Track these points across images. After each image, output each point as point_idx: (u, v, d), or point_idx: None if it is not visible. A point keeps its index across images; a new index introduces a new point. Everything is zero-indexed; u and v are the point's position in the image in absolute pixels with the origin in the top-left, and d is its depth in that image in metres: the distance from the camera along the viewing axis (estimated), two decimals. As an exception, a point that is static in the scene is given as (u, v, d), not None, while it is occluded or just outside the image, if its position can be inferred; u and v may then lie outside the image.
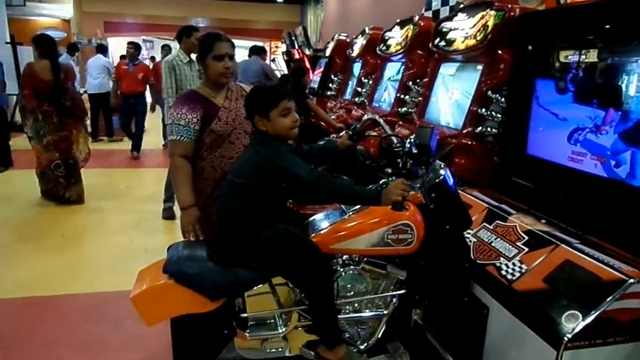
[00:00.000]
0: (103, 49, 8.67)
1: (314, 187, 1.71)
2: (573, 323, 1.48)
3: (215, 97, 2.23)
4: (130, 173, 6.57)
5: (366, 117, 2.37)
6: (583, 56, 1.97)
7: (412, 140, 1.83)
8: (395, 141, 2.06)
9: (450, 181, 1.89)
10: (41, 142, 4.54)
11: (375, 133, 2.51)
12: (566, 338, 1.47)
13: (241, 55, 7.82)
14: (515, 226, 2.01)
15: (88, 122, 8.49)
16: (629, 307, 1.50)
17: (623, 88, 1.78)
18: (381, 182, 2.03)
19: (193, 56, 4.39)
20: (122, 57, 8.01)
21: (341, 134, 3.74)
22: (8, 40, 8.51)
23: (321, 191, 1.74)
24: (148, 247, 3.71)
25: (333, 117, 4.88)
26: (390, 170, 2.07)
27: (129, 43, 7.53)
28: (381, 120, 2.15)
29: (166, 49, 7.75)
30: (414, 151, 1.80)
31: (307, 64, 7.17)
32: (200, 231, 2.13)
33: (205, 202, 2.23)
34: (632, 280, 1.49)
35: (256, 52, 6.70)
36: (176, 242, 1.95)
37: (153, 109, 7.63)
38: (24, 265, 3.45)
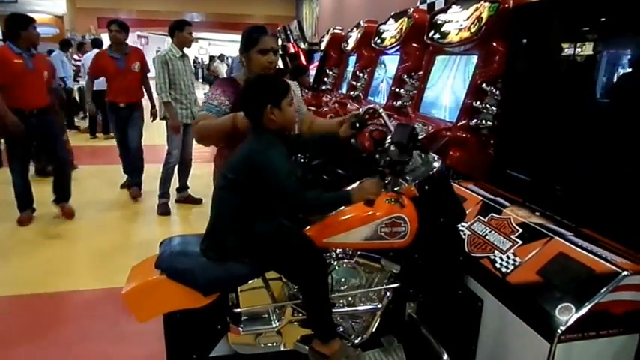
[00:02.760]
0: (99, 44, 8.60)
1: (292, 200, 1.72)
2: (566, 315, 1.48)
3: None
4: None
5: (366, 107, 2.35)
6: (578, 49, 1.96)
7: (390, 139, 1.83)
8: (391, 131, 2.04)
9: (444, 174, 1.88)
10: None
11: (378, 124, 2.48)
12: (559, 330, 1.47)
13: (235, 49, 7.74)
14: (510, 218, 2.01)
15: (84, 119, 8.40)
16: (622, 299, 1.50)
17: (619, 81, 1.77)
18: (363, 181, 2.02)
19: (186, 50, 4.37)
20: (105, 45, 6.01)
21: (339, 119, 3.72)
22: (0, 37, 8.43)
23: (297, 206, 1.77)
24: (143, 243, 3.70)
25: (327, 110, 4.85)
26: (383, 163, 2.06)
27: (110, 22, 4.86)
28: (382, 110, 2.13)
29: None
30: (392, 149, 1.80)
31: (303, 58, 7.13)
32: None
33: None
34: (625, 273, 1.49)
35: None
36: (168, 237, 1.93)
37: (154, 117, 5.03)
38: (18, 263, 3.44)
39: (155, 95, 4.58)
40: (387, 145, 1.85)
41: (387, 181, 1.87)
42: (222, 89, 2.17)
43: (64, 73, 8.57)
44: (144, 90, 4.92)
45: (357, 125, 2.07)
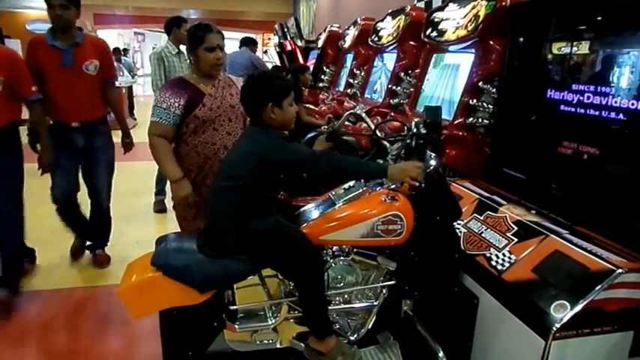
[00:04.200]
0: None
1: (317, 165, 1.74)
2: (562, 313, 1.49)
3: (203, 85, 2.26)
4: (120, 167, 6.48)
5: (348, 112, 2.36)
6: (575, 48, 1.96)
7: (418, 122, 1.83)
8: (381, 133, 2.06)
9: (440, 171, 1.88)
10: None
11: (351, 138, 2.52)
12: (554, 328, 1.48)
13: (233, 47, 7.69)
14: (506, 216, 2.01)
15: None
16: (617, 297, 1.51)
17: (615, 80, 1.78)
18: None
19: (182, 47, 4.35)
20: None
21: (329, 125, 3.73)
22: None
23: (325, 168, 1.75)
24: (139, 241, 3.69)
25: (324, 108, 4.84)
26: (381, 161, 2.06)
27: None
28: (364, 113, 2.14)
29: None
30: (423, 131, 1.81)
31: (300, 56, 7.12)
32: (193, 203, 2.23)
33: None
34: (620, 270, 1.50)
35: (246, 43, 6.62)
36: (164, 234, 1.93)
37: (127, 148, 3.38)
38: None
39: (135, 109, 4.08)
40: (414, 129, 1.87)
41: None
42: (172, 91, 2.19)
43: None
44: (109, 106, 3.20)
45: (333, 138, 2.12)
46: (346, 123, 2.50)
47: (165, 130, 2.19)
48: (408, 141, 1.93)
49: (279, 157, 1.73)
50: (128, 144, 3.31)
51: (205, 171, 2.28)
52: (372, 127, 2.07)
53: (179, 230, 2.41)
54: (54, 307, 2.80)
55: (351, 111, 2.33)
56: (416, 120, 1.90)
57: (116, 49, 10.40)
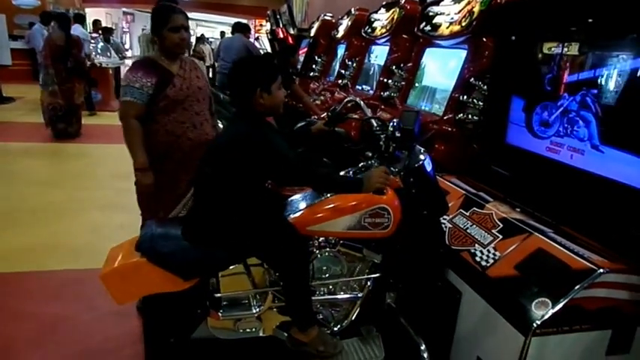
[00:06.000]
0: (81, 19, 8.36)
1: (298, 172, 1.76)
2: (543, 310, 1.51)
3: (170, 65, 2.32)
4: (105, 149, 6.42)
5: (347, 99, 2.35)
6: (565, 49, 1.97)
7: (395, 124, 1.83)
8: (375, 124, 2.05)
9: (429, 166, 1.89)
10: (47, 89, 6.30)
11: (356, 116, 2.50)
12: (534, 325, 1.50)
13: (227, 32, 7.58)
14: (492, 213, 2.03)
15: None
16: (597, 296, 1.54)
17: (603, 82, 1.79)
18: (360, 165, 2.02)
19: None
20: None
21: (322, 115, 3.71)
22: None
23: (304, 178, 1.80)
24: (123, 225, 3.64)
25: (317, 102, 4.81)
26: (370, 153, 2.06)
27: None
28: (362, 102, 2.13)
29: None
30: (397, 134, 1.81)
31: (291, 44, 7.05)
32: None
33: (153, 163, 2.30)
34: (601, 270, 1.53)
35: (239, 29, 6.55)
36: (150, 220, 1.91)
37: None
38: (6, 238, 3.36)
39: None
40: (390, 130, 1.87)
41: (395, 165, 1.89)
42: (143, 71, 2.24)
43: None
44: None
45: (331, 124, 2.10)
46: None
47: (139, 110, 2.22)
48: (381, 143, 1.93)
49: (259, 142, 1.69)
50: None
51: (173, 148, 2.32)
52: (369, 115, 2.06)
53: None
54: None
55: (351, 97, 2.32)
56: (395, 121, 1.89)
57: (106, 29, 10.18)
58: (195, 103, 2.36)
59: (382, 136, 1.94)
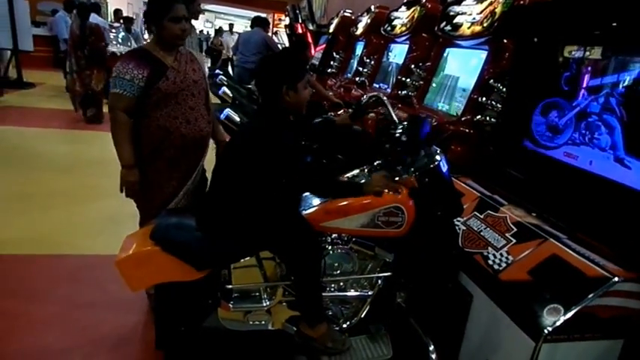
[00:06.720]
0: (97, 8, 8.41)
1: (301, 180, 1.77)
2: (555, 317, 1.50)
3: (165, 57, 2.20)
4: (96, 137, 6.43)
5: (371, 94, 2.35)
6: (587, 52, 1.94)
7: (402, 128, 1.83)
8: (395, 121, 2.04)
9: (445, 167, 1.88)
10: (72, 76, 6.78)
11: (382, 111, 2.48)
12: (546, 331, 1.49)
13: (243, 25, 7.60)
14: (506, 217, 2.01)
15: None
16: (610, 305, 1.52)
17: (625, 89, 1.76)
18: (364, 168, 2.03)
19: (194, 22, 4.30)
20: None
21: (339, 112, 3.70)
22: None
23: (305, 186, 1.81)
24: (137, 213, 3.69)
25: (331, 93, 4.80)
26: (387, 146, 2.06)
27: None
28: (386, 99, 2.12)
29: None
30: (404, 139, 1.80)
31: (310, 40, 7.04)
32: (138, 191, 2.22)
33: (144, 159, 2.23)
34: (616, 279, 1.51)
35: (259, 23, 6.55)
36: (165, 209, 1.93)
37: None
38: (10, 223, 3.42)
39: None
40: (397, 135, 1.86)
41: (395, 176, 1.89)
42: (135, 62, 2.12)
43: (66, 35, 8.42)
44: None
45: (355, 117, 2.09)
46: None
47: (128, 103, 2.12)
48: (387, 146, 1.93)
49: (271, 142, 1.70)
50: None
51: (165, 144, 2.22)
52: (393, 114, 2.05)
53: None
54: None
55: (375, 93, 2.30)
56: (403, 124, 1.89)
57: (127, 18, 10.24)
58: (190, 97, 2.25)
59: (397, 133, 1.93)
